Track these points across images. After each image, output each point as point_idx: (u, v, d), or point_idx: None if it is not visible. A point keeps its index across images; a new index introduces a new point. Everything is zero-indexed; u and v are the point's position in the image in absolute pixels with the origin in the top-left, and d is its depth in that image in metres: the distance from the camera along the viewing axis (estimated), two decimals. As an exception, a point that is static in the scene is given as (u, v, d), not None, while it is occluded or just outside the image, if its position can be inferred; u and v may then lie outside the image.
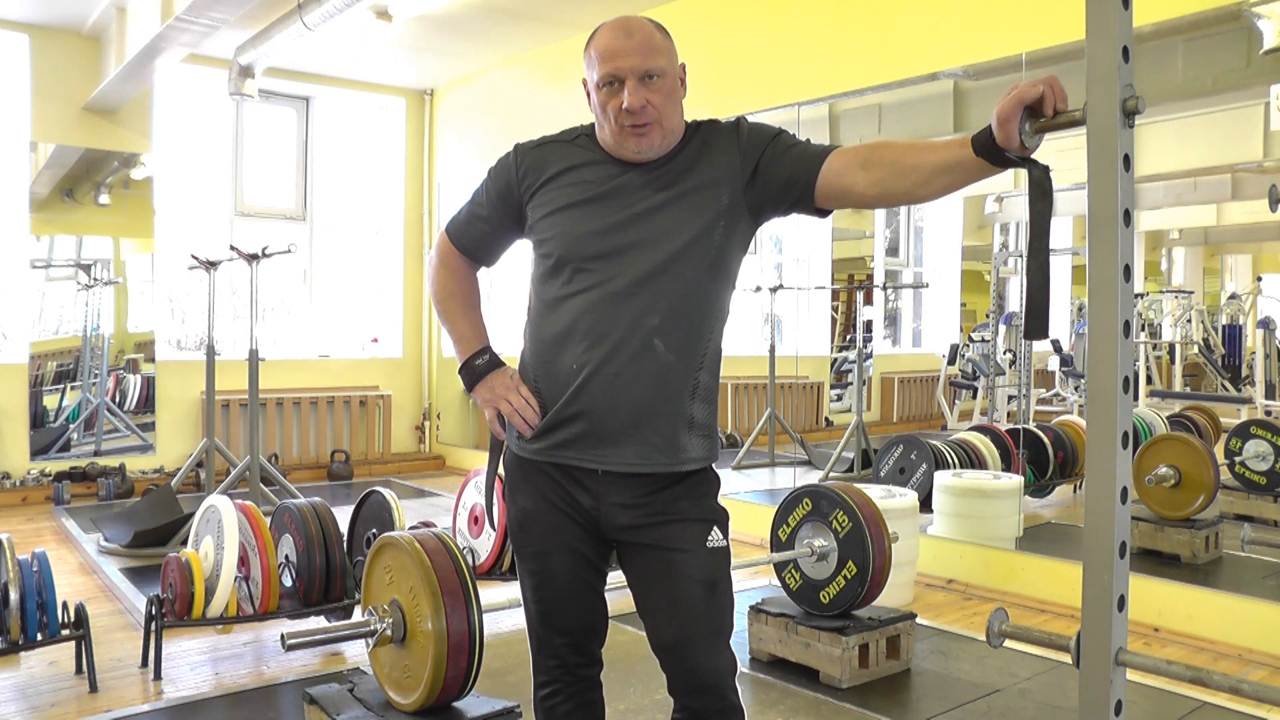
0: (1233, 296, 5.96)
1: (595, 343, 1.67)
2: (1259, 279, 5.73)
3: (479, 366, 1.82)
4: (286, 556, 3.48)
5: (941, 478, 4.63)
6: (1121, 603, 1.28)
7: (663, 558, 1.70)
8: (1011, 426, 5.62)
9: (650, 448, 1.69)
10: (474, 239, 1.89)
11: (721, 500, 1.79)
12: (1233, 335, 5.78)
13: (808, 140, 1.73)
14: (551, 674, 1.81)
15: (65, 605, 3.05)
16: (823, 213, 1.72)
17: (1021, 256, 6.24)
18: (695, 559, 1.69)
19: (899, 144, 1.58)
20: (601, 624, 1.83)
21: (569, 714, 1.81)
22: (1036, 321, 1.46)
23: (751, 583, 4.30)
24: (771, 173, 1.69)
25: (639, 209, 1.69)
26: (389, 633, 2.33)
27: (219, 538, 3.23)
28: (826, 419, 7.18)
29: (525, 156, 1.78)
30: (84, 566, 4.62)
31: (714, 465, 1.79)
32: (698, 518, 1.71)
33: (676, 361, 1.69)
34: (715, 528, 1.73)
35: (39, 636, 2.97)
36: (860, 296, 6.81)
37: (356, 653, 3.38)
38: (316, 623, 3.42)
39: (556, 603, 1.78)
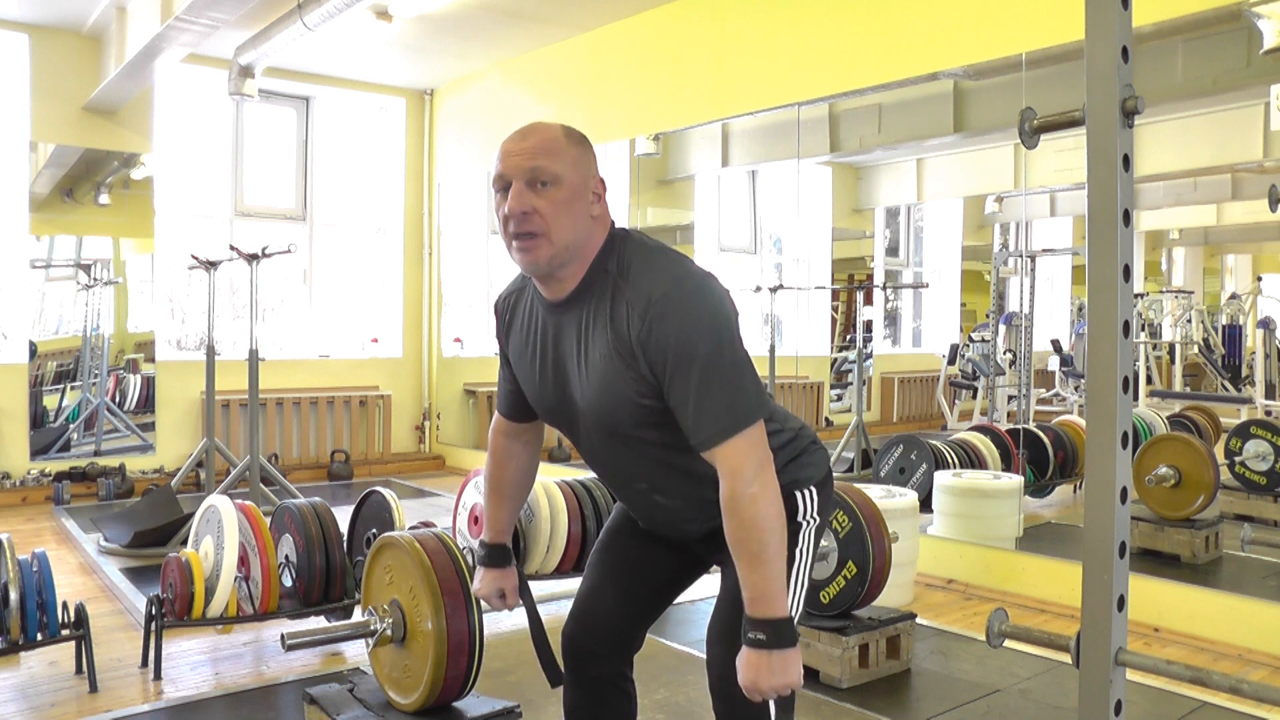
0: (1233, 296, 5.96)
1: (609, 484, 1.80)
2: (1259, 279, 5.74)
3: (481, 557, 1.93)
4: (286, 556, 3.48)
5: (941, 478, 4.63)
6: (1121, 603, 1.28)
7: (723, 570, 1.74)
8: (1011, 426, 5.62)
9: (689, 539, 1.79)
10: (506, 399, 1.86)
11: (813, 517, 1.78)
12: (1233, 335, 5.78)
13: (706, 401, 1.49)
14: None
15: (65, 605, 3.05)
16: None
17: (1021, 256, 6.25)
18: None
19: (738, 534, 1.49)
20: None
21: None
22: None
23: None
24: (660, 386, 1.53)
25: (556, 374, 1.64)
26: (389, 633, 2.33)
27: (219, 538, 3.23)
28: (826, 419, 7.18)
29: (500, 308, 1.78)
30: (84, 566, 4.62)
31: (798, 490, 1.77)
32: None
33: (683, 502, 1.70)
34: None
35: (39, 636, 2.96)
36: (860, 296, 6.81)
37: (356, 653, 3.38)
38: (316, 623, 3.41)
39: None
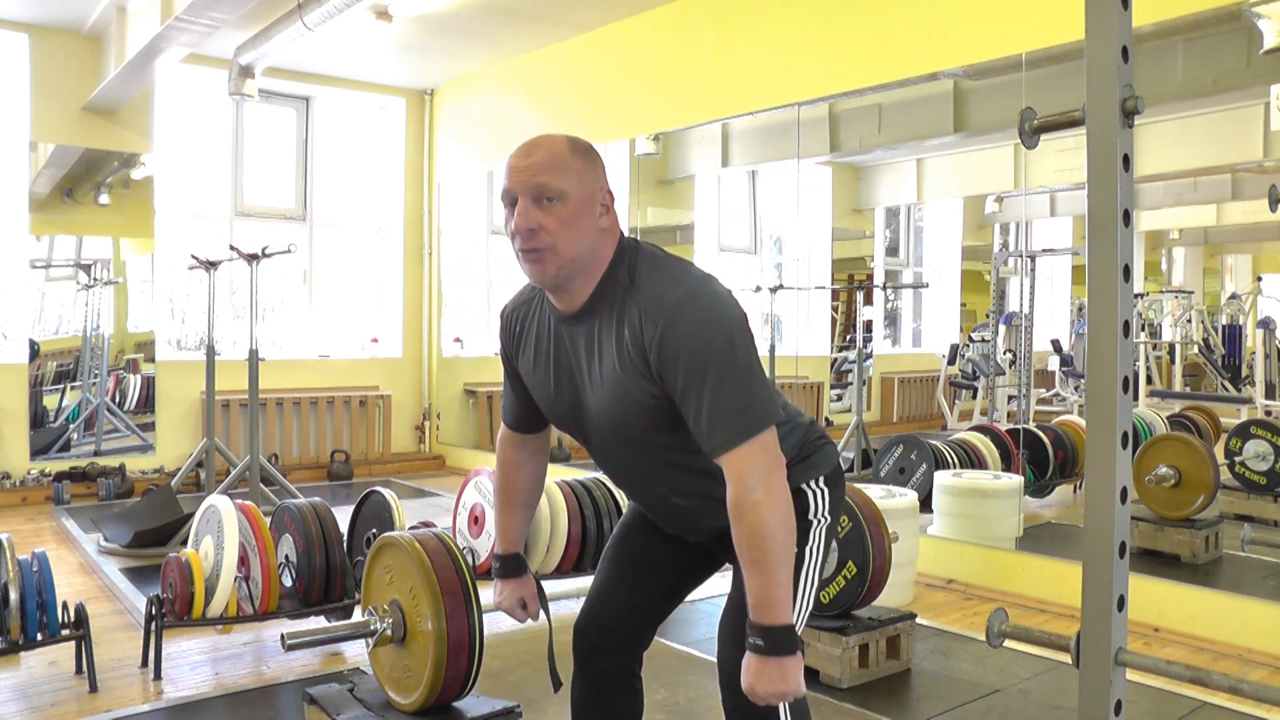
0: (1233, 296, 5.96)
1: (624, 487, 1.84)
2: (1259, 279, 5.74)
3: (497, 569, 1.95)
4: (286, 556, 3.48)
5: (941, 478, 4.63)
6: (1121, 603, 1.28)
7: (735, 569, 1.74)
8: (1011, 426, 5.62)
9: (704, 537, 1.79)
10: (512, 410, 1.87)
11: (824, 515, 1.78)
12: (1233, 335, 5.79)
13: (717, 406, 1.49)
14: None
15: (65, 605, 3.05)
16: None
17: (1021, 256, 6.25)
18: None
19: (742, 540, 1.50)
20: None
21: None
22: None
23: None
24: (671, 394, 1.54)
25: (570, 384, 1.66)
26: (389, 633, 2.33)
27: (219, 538, 3.23)
28: (826, 419, 7.17)
29: (508, 320, 1.78)
30: (84, 566, 4.62)
31: (808, 483, 1.76)
32: None
33: (700, 501, 1.69)
34: None
35: (39, 636, 2.96)
36: (860, 296, 6.82)
37: (356, 653, 3.38)
38: (316, 623, 3.41)
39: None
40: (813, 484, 1.73)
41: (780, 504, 1.49)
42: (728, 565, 1.81)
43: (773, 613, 1.49)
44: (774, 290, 6.58)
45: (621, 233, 1.64)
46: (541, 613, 1.96)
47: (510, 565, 1.94)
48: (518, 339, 1.75)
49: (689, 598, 1.99)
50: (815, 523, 1.72)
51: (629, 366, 1.54)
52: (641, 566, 1.85)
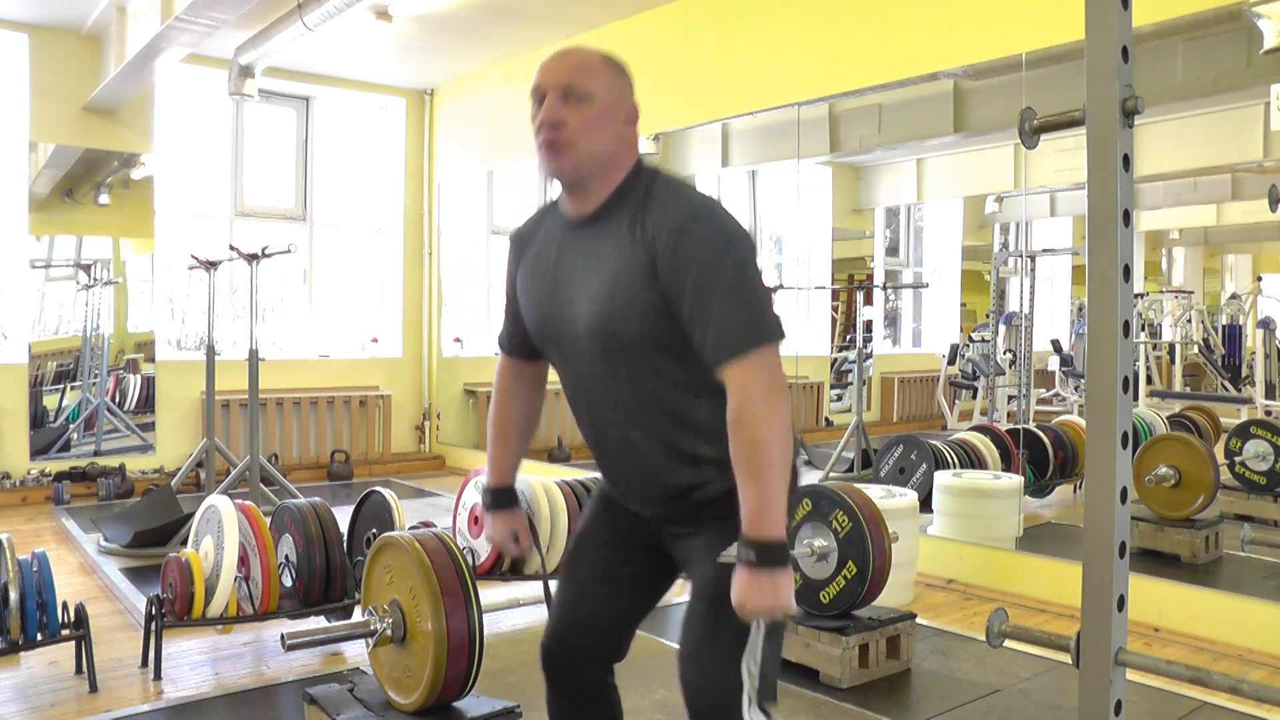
0: (1233, 296, 5.96)
1: (589, 425, 1.76)
2: (1259, 279, 5.74)
3: (486, 503, 1.93)
4: (286, 556, 3.48)
5: (941, 478, 4.63)
6: (1121, 603, 1.28)
7: (689, 572, 1.70)
8: (1011, 426, 5.62)
9: (658, 502, 1.72)
10: (509, 334, 1.87)
11: None
12: (1233, 335, 5.79)
13: (724, 316, 1.50)
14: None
15: (65, 605, 3.05)
16: None
17: (1021, 256, 6.25)
18: (704, 574, 1.63)
19: (741, 451, 1.48)
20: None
21: None
22: None
23: (751, 583, 4.30)
24: (678, 310, 1.53)
25: (566, 290, 1.65)
26: (389, 633, 2.33)
27: (219, 538, 3.23)
28: (826, 419, 7.18)
29: (517, 235, 1.80)
30: (84, 566, 4.62)
31: None
32: (715, 532, 1.62)
33: (660, 446, 1.65)
34: (736, 544, 1.62)
35: (39, 636, 2.96)
36: (860, 296, 6.82)
37: (356, 653, 3.38)
38: (316, 623, 3.41)
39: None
40: None
41: (780, 420, 1.48)
42: (686, 575, 1.75)
43: (766, 526, 1.47)
44: (774, 290, 6.57)
45: (641, 155, 1.68)
46: (534, 547, 1.93)
47: (502, 497, 1.91)
48: (521, 252, 1.77)
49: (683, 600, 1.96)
50: None
51: (635, 271, 1.55)
52: (601, 578, 1.79)
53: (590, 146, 1.58)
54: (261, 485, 5.49)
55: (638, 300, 1.55)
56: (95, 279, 6.65)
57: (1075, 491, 5.54)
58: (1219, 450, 4.61)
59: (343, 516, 3.65)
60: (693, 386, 1.59)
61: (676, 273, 1.51)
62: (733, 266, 1.50)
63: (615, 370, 1.63)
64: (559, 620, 1.80)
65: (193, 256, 5.56)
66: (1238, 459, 4.62)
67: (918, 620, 3.47)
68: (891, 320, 7.54)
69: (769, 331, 1.50)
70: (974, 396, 6.67)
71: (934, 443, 5.16)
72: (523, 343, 1.83)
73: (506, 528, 1.91)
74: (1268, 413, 5.37)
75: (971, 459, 5.10)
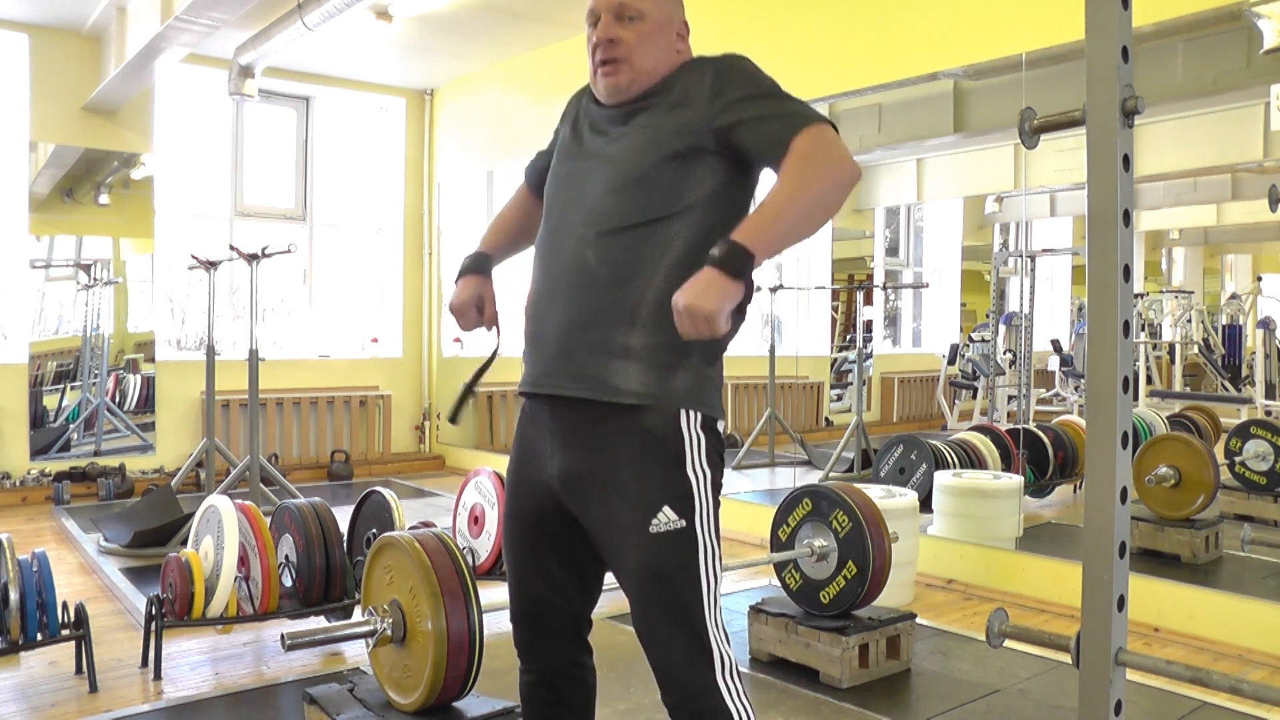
0: (1233, 296, 5.96)
1: (543, 271, 1.70)
2: (1259, 279, 5.74)
3: (463, 266, 1.86)
4: (286, 556, 3.48)
5: (941, 478, 4.63)
6: (1121, 603, 1.28)
7: (609, 547, 1.61)
8: (1011, 426, 5.62)
9: (567, 377, 1.62)
10: (535, 172, 1.90)
11: (702, 469, 1.59)
12: (1233, 335, 5.78)
13: (780, 108, 1.59)
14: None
15: (65, 605, 3.05)
16: None
17: (1021, 256, 6.25)
18: (637, 550, 1.56)
19: (797, 173, 1.51)
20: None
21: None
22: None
23: (751, 583, 4.31)
24: (734, 133, 1.59)
25: (596, 144, 1.70)
26: (389, 633, 2.33)
27: (219, 538, 3.23)
28: (826, 419, 7.18)
29: (568, 106, 1.84)
30: (84, 566, 4.62)
31: (689, 410, 1.57)
32: (638, 497, 1.55)
33: (608, 275, 1.57)
34: (666, 507, 1.54)
35: (39, 636, 2.96)
36: (860, 296, 6.81)
37: (356, 653, 3.38)
38: (316, 623, 3.42)
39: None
40: (692, 415, 1.58)
41: (835, 179, 1.50)
42: (613, 562, 1.66)
43: (754, 236, 1.43)
44: (774, 290, 6.58)
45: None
46: (496, 327, 1.85)
47: (478, 260, 1.84)
48: (564, 121, 1.82)
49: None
50: (696, 475, 1.57)
51: (667, 114, 1.61)
52: (546, 557, 1.72)
53: (644, 63, 1.65)
54: (261, 485, 5.49)
55: (666, 138, 1.60)
56: (95, 279, 6.65)
57: (1075, 491, 5.54)
58: (1219, 450, 4.61)
59: (343, 516, 3.65)
60: (674, 227, 1.58)
61: (723, 91, 1.59)
62: (775, 89, 1.62)
63: (611, 192, 1.62)
64: (518, 606, 1.78)
65: (193, 256, 5.56)
66: (1238, 459, 4.62)
67: (918, 620, 3.47)
68: (891, 320, 7.53)
69: (820, 119, 1.56)
70: (974, 396, 6.66)
71: (934, 443, 5.16)
72: (540, 183, 1.85)
73: (474, 291, 1.82)
74: (1268, 413, 5.37)
75: (971, 459, 5.10)
